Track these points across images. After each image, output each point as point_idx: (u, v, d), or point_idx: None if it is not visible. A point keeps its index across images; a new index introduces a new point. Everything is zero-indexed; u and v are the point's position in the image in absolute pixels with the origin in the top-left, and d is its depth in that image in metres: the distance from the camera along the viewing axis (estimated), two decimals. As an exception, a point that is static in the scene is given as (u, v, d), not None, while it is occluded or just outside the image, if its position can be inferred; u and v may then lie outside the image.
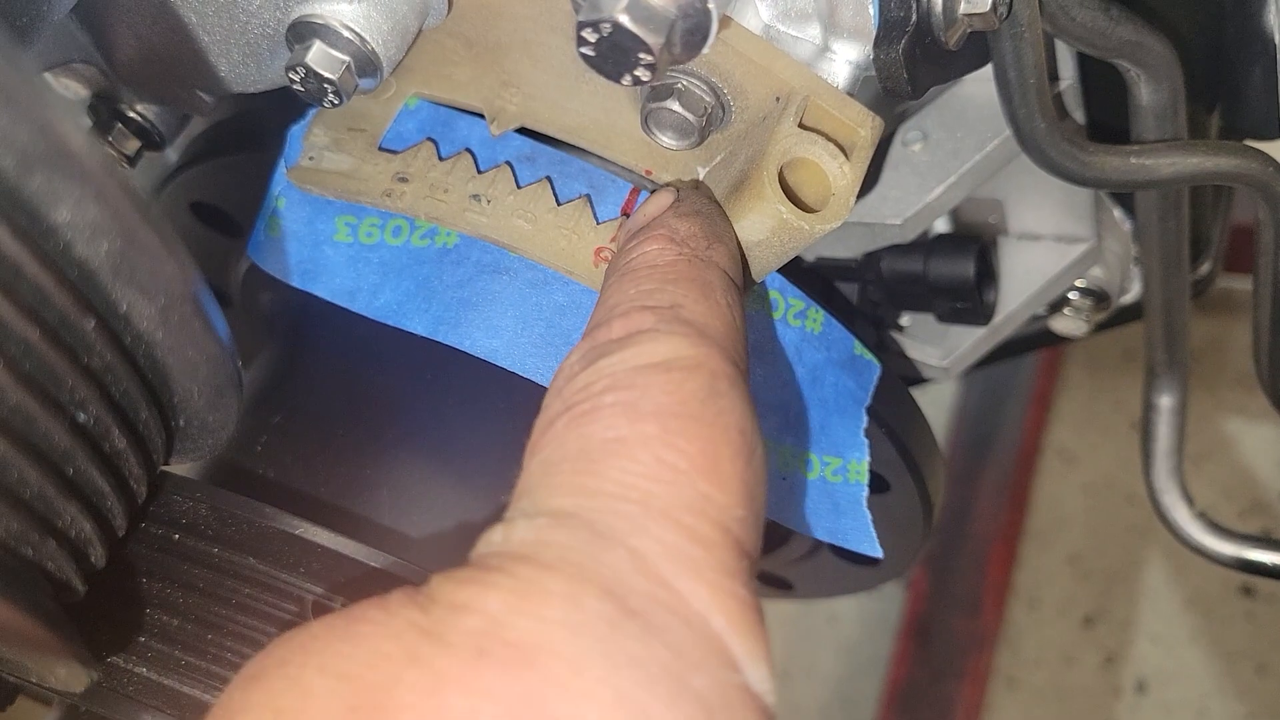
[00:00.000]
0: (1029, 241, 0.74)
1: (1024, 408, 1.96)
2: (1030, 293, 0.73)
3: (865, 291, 0.69)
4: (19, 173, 0.25)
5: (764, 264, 0.49)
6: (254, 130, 0.63)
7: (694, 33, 0.38)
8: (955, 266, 0.66)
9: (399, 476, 0.52)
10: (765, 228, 0.47)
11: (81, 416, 0.31)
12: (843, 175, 0.47)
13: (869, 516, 0.55)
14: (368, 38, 0.46)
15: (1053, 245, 0.73)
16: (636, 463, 0.37)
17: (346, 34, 0.46)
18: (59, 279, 0.28)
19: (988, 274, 0.68)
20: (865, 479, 0.56)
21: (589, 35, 0.37)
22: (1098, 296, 0.77)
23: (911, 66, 0.48)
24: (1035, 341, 0.81)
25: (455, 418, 0.54)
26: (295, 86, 0.47)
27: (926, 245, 0.68)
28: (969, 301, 0.67)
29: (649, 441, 0.37)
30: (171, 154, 0.68)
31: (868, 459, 0.56)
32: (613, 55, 0.38)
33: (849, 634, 1.87)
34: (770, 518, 0.55)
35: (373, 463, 0.53)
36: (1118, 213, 0.75)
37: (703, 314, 0.42)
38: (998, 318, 0.72)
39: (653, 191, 0.50)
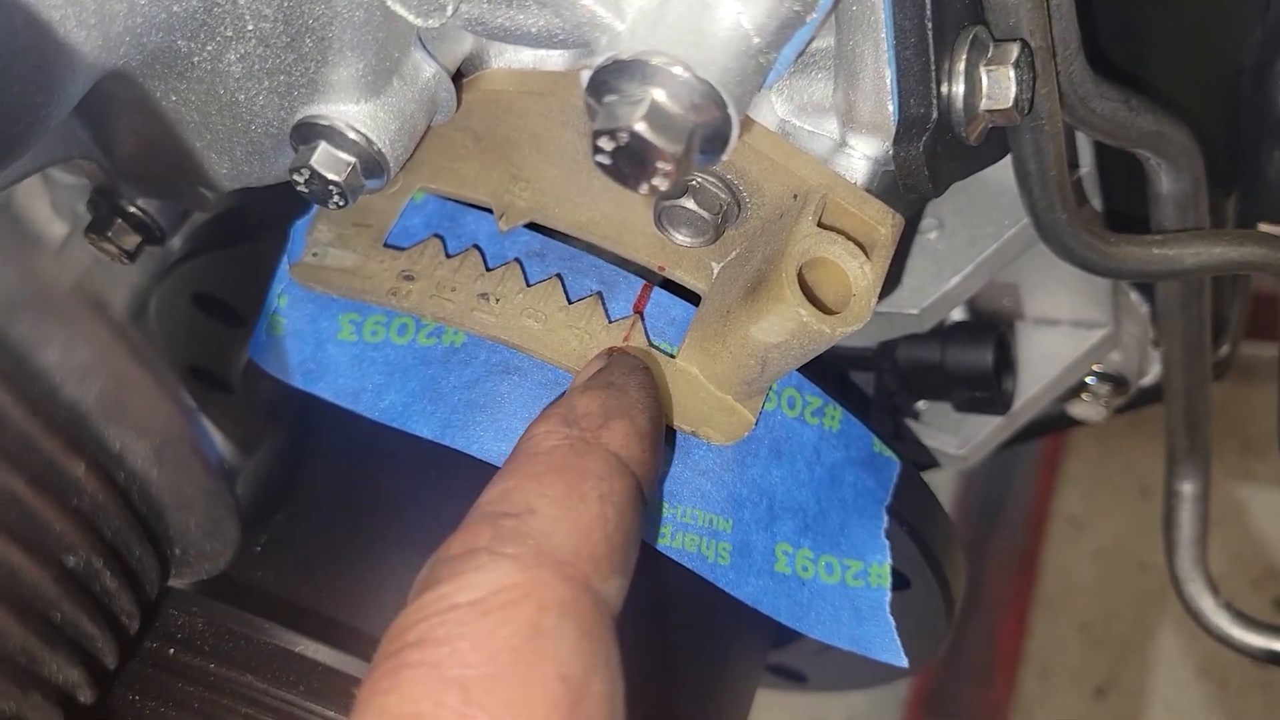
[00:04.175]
0: (1046, 327, 0.73)
1: (1032, 474, 1.94)
2: (1048, 380, 0.71)
3: (881, 380, 0.67)
4: (3, 318, 0.23)
5: (781, 366, 0.48)
6: (257, 221, 0.62)
7: (713, 140, 0.37)
8: (973, 356, 0.65)
9: (402, 586, 0.50)
10: (784, 330, 0.46)
11: (70, 560, 0.29)
12: (863, 275, 0.46)
13: (893, 624, 0.53)
14: (374, 139, 0.45)
15: (1070, 331, 0.72)
16: None
17: (352, 135, 0.44)
18: (46, 423, 0.26)
19: (1006, 362, 0.67)
20: (888, 583, 0.54)
21: (605, 144, 0.36)
22: (1116, 381, 0.75)
23: (933, 163, 0.47)
24: (1051, 425, 0.79)
25: (461, 512, 0.52)
26: (300, 188, 0.45)
27: (943, 333, 0.66)
28: (987, 391, 0.65)
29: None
30: (176, 240, 0.67)
31: (889, 561, 0.54)
32: (630, 164, 0.36)
33: (857, 705, 1.84)
34: (789, 625, 0.53)
35: (375, 570, 0.51)
36: (1135, 296, 0.73)
37: (552, 521, 0.39)
38: (1015, 405, 0.70)
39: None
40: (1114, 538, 1.91)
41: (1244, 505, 1.80)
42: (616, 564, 0.40)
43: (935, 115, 0.47)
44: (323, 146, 0.44)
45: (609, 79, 0.36)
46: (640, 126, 0.35)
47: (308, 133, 0.45)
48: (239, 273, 0.61)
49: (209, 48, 0.44)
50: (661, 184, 0.37)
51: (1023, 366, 0.71)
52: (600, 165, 0.37)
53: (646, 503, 0.44)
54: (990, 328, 0.66)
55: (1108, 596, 1.87)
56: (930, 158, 0.47)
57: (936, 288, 0.62)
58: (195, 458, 0.32)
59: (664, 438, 0.47)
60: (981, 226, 0.63)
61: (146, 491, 0.31)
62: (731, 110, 0.36)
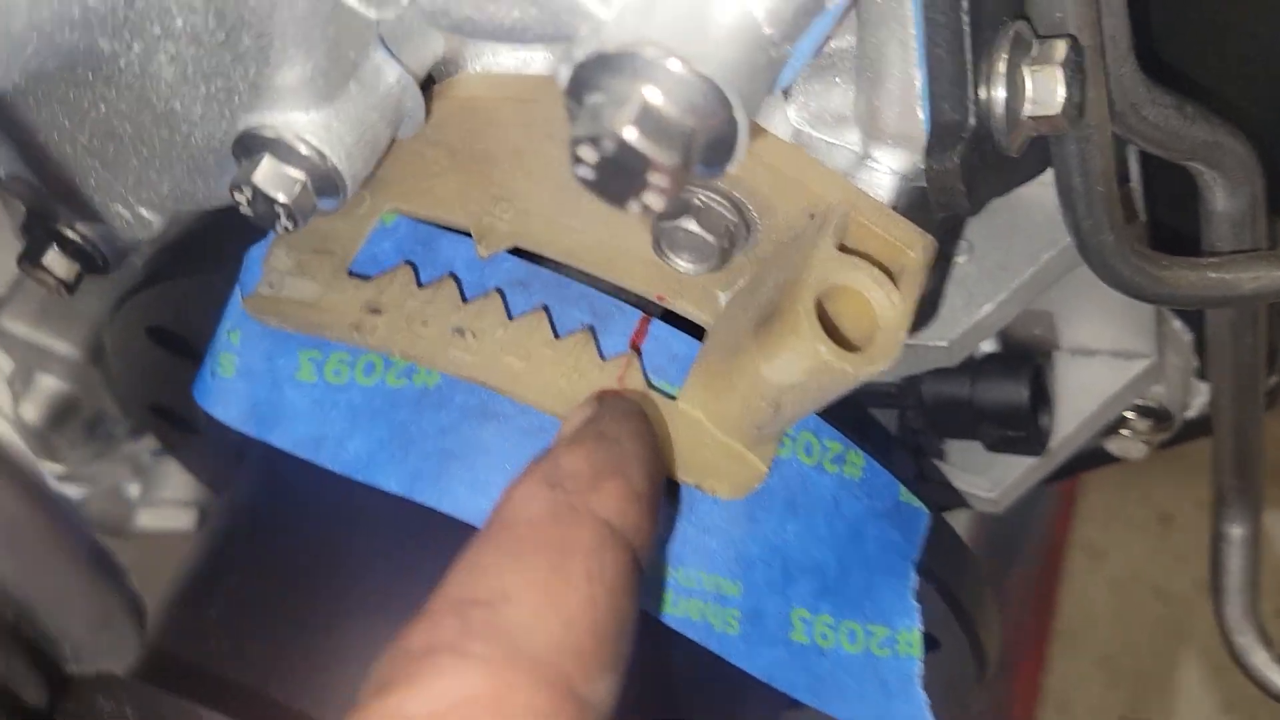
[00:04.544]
0: (1083, 358, 0.67)
1: (1049, 503, 1.88)
2: (1086, 415, 0.65)
3: (905, 419, 0.61)
4: None
5: (798, 410, 0.42)
6: (216, 247, 0.56)
7: (717, 148, 0.31)
8: (1007, 392, 0.59)
9: (363, 667, 0.44)
10: (800, 369, 0.40)
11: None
12: (891, 306, 0.40)
13: (925, 700, 0.47)
14: (327, 152, 0.39)
15: (1110, 361, 0.66)
16: None
17: (302, 148, 0.39)
18: None
19: (1042, 398, 0.61)
20: (919, 652, 0.48)
21: (587, 154, 0.30)
22: (1158, 416, 0.69)
23: (970, 177, 0.41)
24: (1087, 462, 0.73)
25: (433, 580, 0.46)
26: (242, 209, 0.39)
27: (973, 367, 0.60)
28: (1022, 429, 0.59)
29: None
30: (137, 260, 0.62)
31: (919, 627, 0.48)
32: (617, 178, 0.30)
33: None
34: (806, 702, 0.47)
35: (333, 645, 0.45)
36: (1178, 324, 0.67)
37: (532, 611, 0.33)
38: (1051, 443, 0.64)
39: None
40: (1132, 567, 1.87)
41: (1268, 532, 1.75)
42: (606, 659, 0.34)
43: (973, 122, 0.41)
44: (267, 161, 0.38)
45: (592, 75, 0.30)
46: (628, 132, 0.29)
47: (251, 145, 0.39)
48: (196, 304, 0.55)
49: (135, 48, 0.38)
50: (655, 202, 0.31)
51: (1058, 401, 0.65)
52: (582, 180, 0.31)
53: (643, 573, 0.38)
54: (1026, 360, 0.60)
55: (1127, 628, 1.83)
56: (967, 170, 0.41)
57: (967, 317, 0.56)
58: (58, 555, 0.26)
59: (663, 494, 0.41)
60: (1015, 249, 0.57)
61: (7, 594, 0.25)
62: (738, 113, 0.30)
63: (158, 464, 0.80)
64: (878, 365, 0.39)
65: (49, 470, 0.78)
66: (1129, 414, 0.69)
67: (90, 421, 0.77)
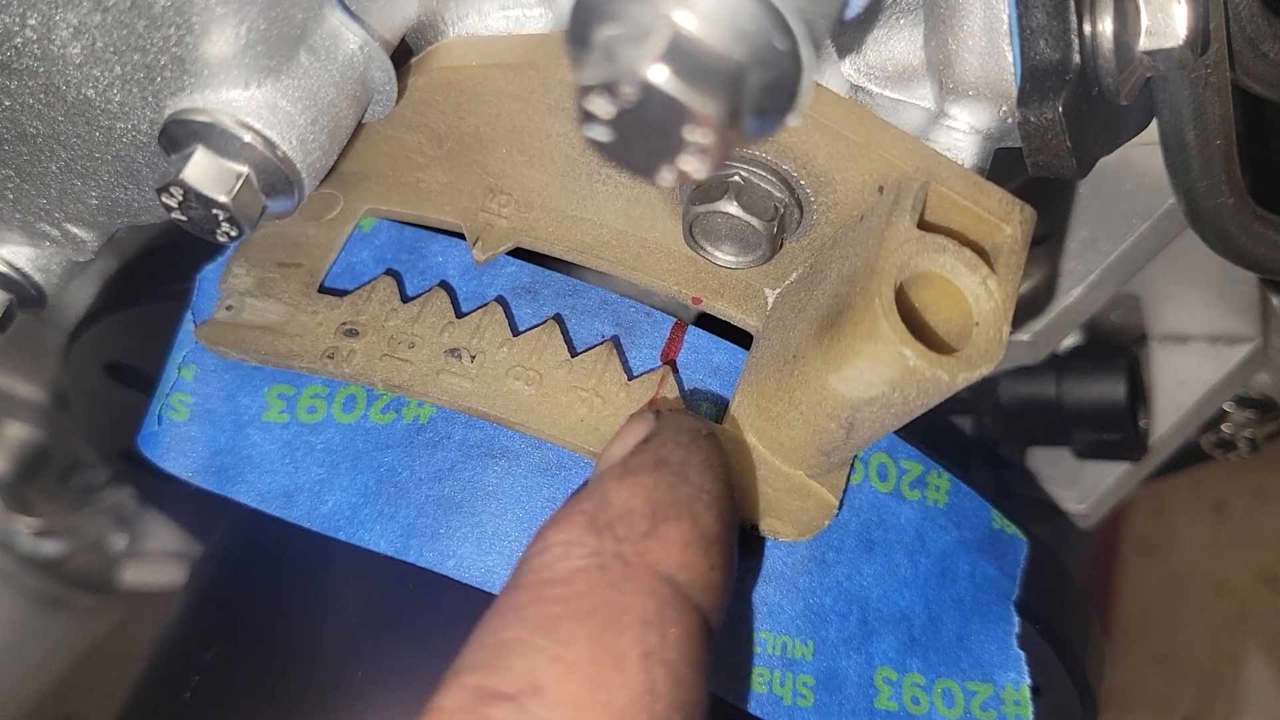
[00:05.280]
0: (1174, 345, 0.58)
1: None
2: (1184, 411, 0.57)
3: (981, 426, 0.53)
4: None
5: (875, 429, 0.34)
6: (178, 267, 0.48)
7: (773, 92, 0.23)
8: (1101, 388, 0.50)
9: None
10: (880, 379, 0.31)
11: None
12: (989, 295, 0.32)
13: (1040, 772, 0.39)
14: (275, 138, 0.31)
15: (1207, 348, 0.58)
16: None
17: (243, 135, 0.31)
18: None
19: (1139, 395, 0.52)
20: (1029, 711, 0.39)
21: (600, 107, 0.22)
22: (1263, 407, 0.61)
23: (1076, 128, 0.33)
24: (1181, 464, 0.64)
25: (440, 658, 0.38)
26: (175, 216, 0.32)
27: (1057, 363, 0.52)
28: (1119, 431, 0.51)
29: None
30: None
31: (1027, 681, 0.40)
32: (641, 139, 0.22)
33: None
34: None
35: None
36: (1278, 301, 0.59)
37: (569, 709, 0.26)
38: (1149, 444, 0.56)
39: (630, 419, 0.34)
40: (1187, 561, 1.79)
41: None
42: None
43: (1077, 60, 0.33)
44: (200, 154, 0.31)
45: (603, 2, 0.22)
46: (656, 72, 0.21)
47: (179, 135, 0.31)
48: (159, 334, 0.48)
49: (31, 21, 0.30)
50: (694, 167, 0.23)
51: (1152, 396, 0.56)
52: (596, 145, 0.23)
53: (715, 643, 0.30)
54: (1120, 351, 0.52)
55: (1186, 624, 1.74)
56: (1073, 121, 0.33)
57: (1053, 305, 0.48)
58: None
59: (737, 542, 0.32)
60: (1104, 223, 0.48)
61: None
62: (801, 41, 0.22)
63: (142, 514, 0.73)
64: (979, 369, 0.31)
65: (23, 525, 0.70)
66: (1229, 407, 0.61)
67: (64, 470, 0.70)
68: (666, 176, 0.23)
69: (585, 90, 0.22)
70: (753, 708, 0.36)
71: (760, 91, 0.23)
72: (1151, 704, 1.67)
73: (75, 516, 0.72)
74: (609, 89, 0.22)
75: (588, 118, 0.22)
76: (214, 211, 0.31)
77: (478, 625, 0.29)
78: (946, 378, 0.31)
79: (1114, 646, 1.70)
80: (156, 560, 0.73)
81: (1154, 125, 0.40)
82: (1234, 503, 1.81)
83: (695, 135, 0.22)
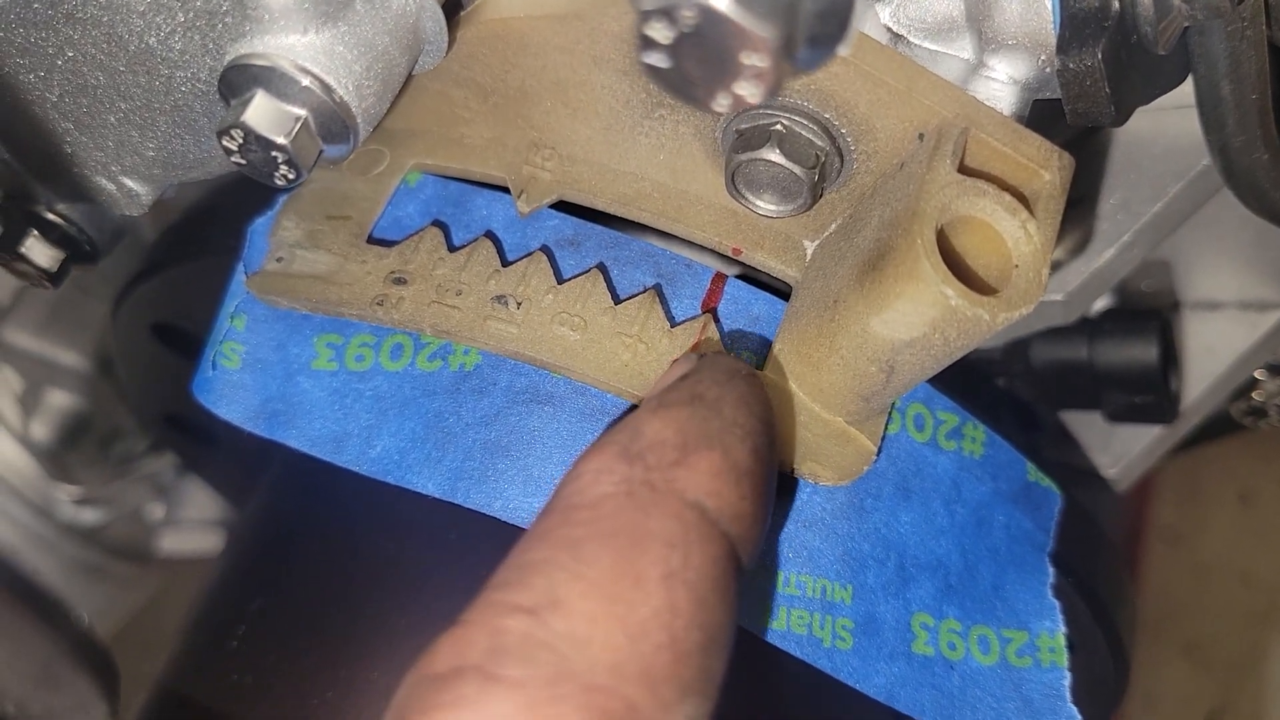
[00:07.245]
0: (1206, 312, 0.58)
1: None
2: (1215, 377, 0.57)
3: (1012, 389, 0.53)
4: None
5: (915, 373, 0.34)
6: (226, 227, 0.49)
7: (827, 19, 0.24)
8: (1134, 350, 0.51)
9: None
10: (921, 320, 0.32)
11: None
12: (1028, 238, 0.33)
13: (1077, 715, 0.39)
14: (332, 82, 0.32)
15: (1238, 315, 0.58)
16: None
17: (302, 79, 0.32)
18: None
19: (1171, 357, 0.53)
20: (1064, 660, 0.40)
21: (659, 32, 0.23)
22: (1294, 375, 0.61)
23: (1115, 76, 0.34)
24: (1211, 433, 0.65)
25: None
26: (234, 159, 0.33)
27: (1089, 326, 0.52)
28: (1152, 393, 0.51)
29: None
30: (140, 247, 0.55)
31: (1063, 630, 0.40)
32: (699, 64, 0.23)
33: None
34: (936, 725, 0.39)
35: (369, 679, 0.38)
36: (1309, 267, 0.59)
37: (585, 621, 0.26)
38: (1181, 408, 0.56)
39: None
40: (1213, 551, 1.77)
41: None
42: (688, 681, 0.26)
43: (1116, 7, 0.33)
44: (260, 97, 0.32)
45: (662, -70, 0.23)
46: (717, -2, 0.22)
47: (240, 80, 0.32)
48: (206, 293, 0.49)
49: (96, -32, 0.31)
50: (751, 92, 0.23)
51: (1183, 363, 0.57)
52: (652, 71, 0.24)
53: (745, 574, 0.30)
54: (1151, 314, 0.52)
55: (1212, 615, 1.73)
56: (1114, 68, 0.33)
57: (1085, 265, 0.48)
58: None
59: (775, 479, 0.33)
60: (1138, 185, 0.49)
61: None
62: (855, -29, 0.23)
63: (181, 482, 0.74)
64: (1018, 309, 0.32)
65: (64, 493, 0.71)
66: (1260, 374, 0.61)
67: (105, 438, 0.71)
68: (722, 102, 0.24)
69: (645, 15, 0.23)
70: (794, 649, 0.37)
71: (815, 17, 0.23)
72: (1177, 697, 1.66)
73: (114, 485, 0.73)
74: (668, 13, 0.23)
75: (646, 43, 0.23)
76: (273, 154, 0.32)
77: (511, 551, 0.30)
78: (987, 317, 0.31)
79: (1139, 637, 1.70)
80: (194, 528, 0.74)
81: (1187, 87, 0.40)
82: (1261, 492, 1.79)
83: (752, 59, 0.23)
